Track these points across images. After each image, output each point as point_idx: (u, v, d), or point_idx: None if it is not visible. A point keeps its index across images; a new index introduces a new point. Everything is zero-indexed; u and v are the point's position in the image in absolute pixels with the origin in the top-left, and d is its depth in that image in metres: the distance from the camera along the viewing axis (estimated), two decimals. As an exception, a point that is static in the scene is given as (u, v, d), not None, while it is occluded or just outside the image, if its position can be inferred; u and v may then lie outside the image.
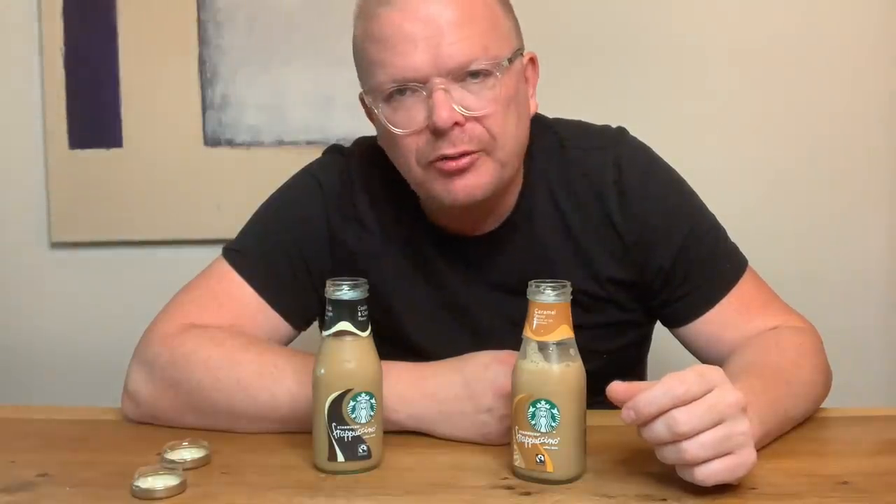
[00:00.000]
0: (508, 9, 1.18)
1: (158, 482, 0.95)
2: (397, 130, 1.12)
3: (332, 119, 1.94)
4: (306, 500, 0.93)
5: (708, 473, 0.91)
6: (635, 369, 1.35)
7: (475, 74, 1.10)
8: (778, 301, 1.25)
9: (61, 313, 2.00)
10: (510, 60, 1.13)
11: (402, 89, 1.11)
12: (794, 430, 1.12)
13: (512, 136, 1.14)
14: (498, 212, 1.22)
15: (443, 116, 1.08)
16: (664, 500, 0.92)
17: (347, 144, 1.33)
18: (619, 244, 1.21)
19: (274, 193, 1.30)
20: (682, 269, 1.21)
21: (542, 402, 0.95)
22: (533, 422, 0.95)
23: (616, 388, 0.94)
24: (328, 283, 0.99)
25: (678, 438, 0.90)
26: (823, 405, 1.19)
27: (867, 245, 1.96)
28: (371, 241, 1.25)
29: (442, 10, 1.09)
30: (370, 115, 1.20)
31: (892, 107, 1.93)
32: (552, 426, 0.95)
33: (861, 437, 1.13)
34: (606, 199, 1.21)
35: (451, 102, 1.09)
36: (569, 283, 0.97)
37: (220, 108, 1.95)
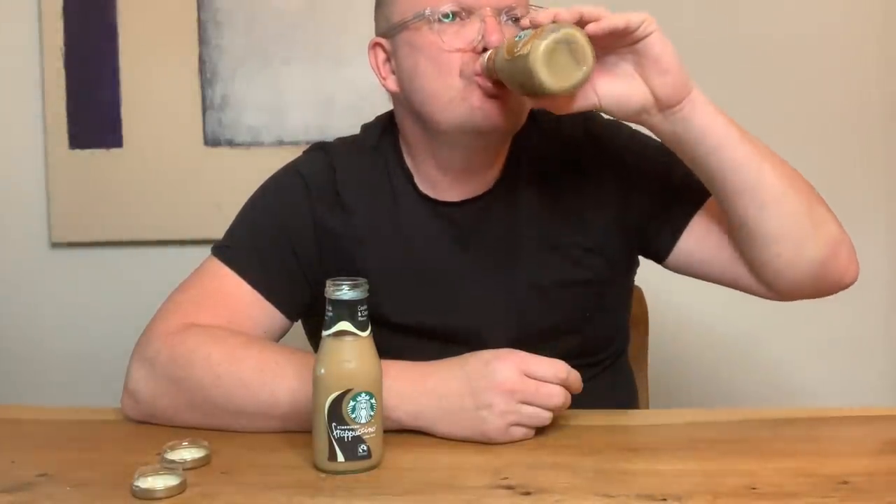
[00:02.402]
0: None
1: (158, 482, 0.95)
2: (446, 45, 1.18)
3: (332, 119, 1.94)
4: (306, 500, 0.93)
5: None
6: (618, 336, 1.36)
7: (515, 20, 1.19)
8: None
9: (61, 313, 2.01)
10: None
11: (454, 13, 1.18)
12: (793, 430, 1.12)
13: None
14: (488, 175, 1.26)
15: (494, 37, 1.15)
16: (664, 499, 0.92)
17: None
18: (602, 189, 1.26)
19: (257, 189, 1.32)
20: (661, 194, 1.25)
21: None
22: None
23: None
24: (328, 283, 0.99)
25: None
26: (823, 405, 1.19)
27: (866, 246, 1.94)
28: (356, 225, 1.26)
29: None
30: (384, 62, 1.25)
31: (891, 108, 1.93)
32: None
33: (861, 437, 1.13)
34: (583, 152, 1.27)
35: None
36: None
37: (220, 108, 1.95)
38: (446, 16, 1.18)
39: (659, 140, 1.23)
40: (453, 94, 1.18)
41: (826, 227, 1.17)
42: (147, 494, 0.93)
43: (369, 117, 1.36)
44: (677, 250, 1.26)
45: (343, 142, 1.34)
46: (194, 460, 1.01)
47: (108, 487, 0.97)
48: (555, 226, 1.25)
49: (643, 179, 1.26)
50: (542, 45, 1.02)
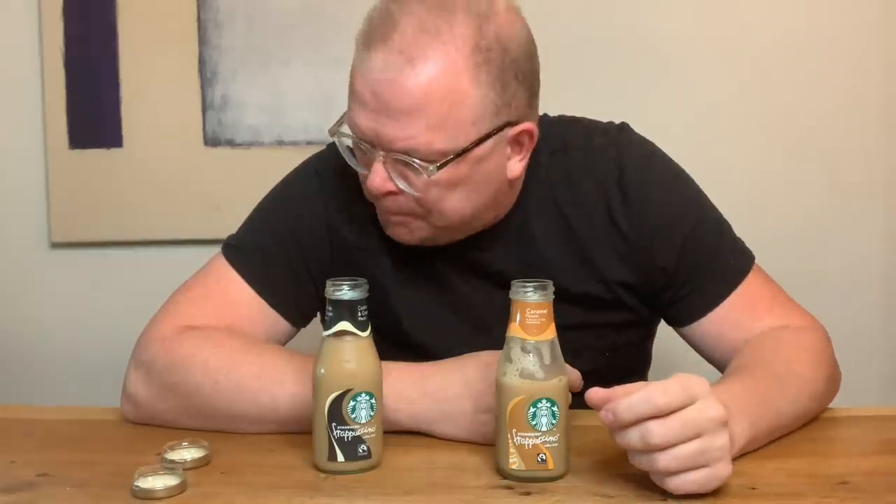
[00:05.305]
0: (504, 81, 1.08)
1: (158, 482, 0.95)
2: (354, 165, 1.16)
3: (331, 119, 1.90)
4: (306, 500, 0.93)
5: (679, 484, 0.91)
6: (639, 364, 1.34)
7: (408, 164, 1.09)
8: (785, 297, 1.23)
9: (61, 313, 2.00)
10: (463, 152, 1.08)
11: (354, 148, 1.14)
12: (794, 430, 1.12)
13: (454, 211, 1.13)
14: (489, 218, 1.21)
15: (374, 185, 1.10)
16: (664, 499, 0.92)
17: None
18: (624, 244, 1.20)
19: (274, 187, 1.30)
20: (686, 267, 1.19)
21: (544, 402, 0.95)
22: (534, 422, 0.95)
23: (593, 396, 0.93)
24: (328, 283, 0.99)
25: (651, 449, 0.90)
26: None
27: (865, 245, 1.96)
28: (369, 236, 1.24)
29: (394, 92, 1.06)
30: None
31: (890, 107, 1.93)
32: (553, 424, 0.95)
33: (861, 437, 1.13)
34: (610, 198, 1.19)
35: (389, 173, 1.10)
36: (551, 282, 0.97)
37: (220, 108, 1.95)
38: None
39: (696, 197, 1.22)
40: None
41: (830, 380, 1.16)
42: (147, 494, 0.93)
43: (369, 117, 1.35)
44: (683, 333, 1.23)
45: None
46: (194, 460, 1.01)
47: (108, 487, 0.97)
48: (567, 271, 1.19)
49: (666, 250, 1.19)
50: None
